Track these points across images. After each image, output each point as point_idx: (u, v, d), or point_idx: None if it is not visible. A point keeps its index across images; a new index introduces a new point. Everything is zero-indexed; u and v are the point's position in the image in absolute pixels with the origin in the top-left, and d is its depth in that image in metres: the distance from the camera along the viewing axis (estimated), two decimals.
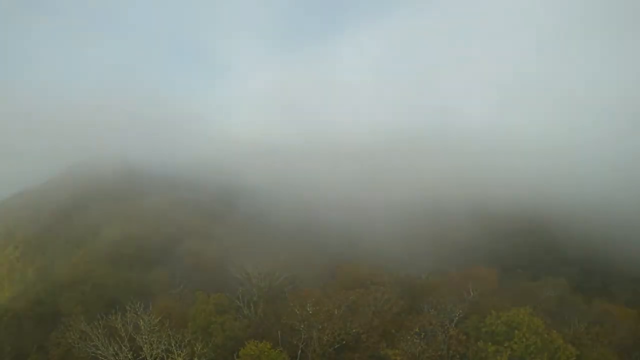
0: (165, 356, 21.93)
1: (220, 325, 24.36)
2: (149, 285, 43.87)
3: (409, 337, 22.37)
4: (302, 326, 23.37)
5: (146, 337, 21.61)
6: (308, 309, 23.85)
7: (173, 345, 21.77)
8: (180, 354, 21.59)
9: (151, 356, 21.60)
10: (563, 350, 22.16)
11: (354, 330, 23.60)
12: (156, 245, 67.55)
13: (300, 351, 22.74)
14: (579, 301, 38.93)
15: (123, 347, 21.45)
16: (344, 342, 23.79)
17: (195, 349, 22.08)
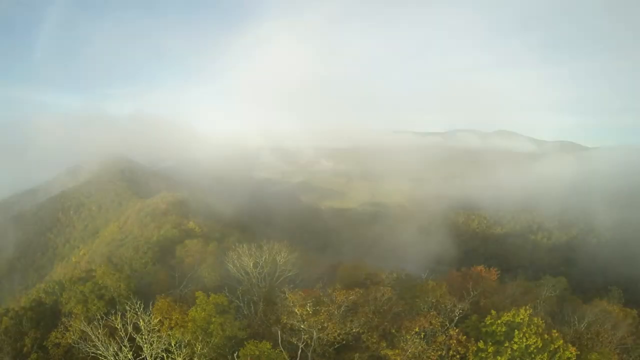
0: (165, 356, 21.94)
1: (220, 325, 24.33)
2: (149, 285, 43.89)
3: (409, 337, 22.37)
4: (302, 326, 23.36)
5: (146, 337, 21.61)
6: (308, 309, 23.84)
7: (173, 345, 21.77)
8: (180, 354, 21.60)
9: (151, 356, 21.60)
10: (563, 350, 22.18)
11: (354, 330, 23.58)
12: (156, 245, 67.65)
13: (300, 351, 22.72)
14: (579, 301, 38.97)
15: (123, 347, 21.43)
16: (344, 342, 23.78)
17: (195, 349, 22.08)
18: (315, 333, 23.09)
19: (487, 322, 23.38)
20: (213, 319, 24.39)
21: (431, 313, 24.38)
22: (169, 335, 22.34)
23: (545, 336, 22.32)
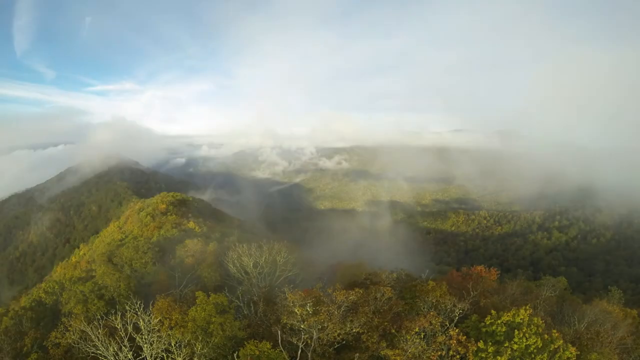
0: (165, 356, 21.94)
1: (220, 325, 24.32)
2: (149, 285, 43.93)
3: (409, 337, 22.36)
4: (302, 326, 23.35)
5: (146, 337, 21.60)
6: (308, 309, 23.84)
7: (173, 345, 21.77)
8: (180, 354, 21.59)
9: (151, 356, 21.60)
10: (563, 350, 22.17)
11: (354, 330, 23.57)
12: (156, 245, 67.63)
13: (300, 351, 22.72)
14: (579, 301, 38.97)
15: (123, 347, 21.43)
16: (344, 342, 23.77)
17: (195, 349, 22.08)
18: (315, 333, 23.08)
19: (487, 322, 23.36)
20: (213, 319, 24.38)
21: (431, 313, 24.34)
22: (169, 335, 22.34)
23: (545, 336, 22.30)
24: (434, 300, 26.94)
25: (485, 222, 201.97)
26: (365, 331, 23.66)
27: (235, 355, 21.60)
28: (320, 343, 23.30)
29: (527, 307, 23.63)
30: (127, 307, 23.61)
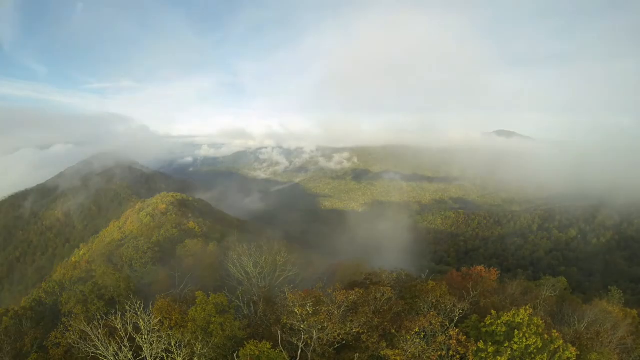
0: (165, 356, 21.93)
1: (220, 325, 24.33)
2: (149, 285, 43.97)
3: (409, 337, 22.36)
4: (302, 326, 23.35)
5: (146, 337, 21.60)
6: (308, 309, 23.84)
7: (173, 345, 21.76)
8: (180, 354, 21.59)
9: (151, 356, 21.59)
10: (563, 350, 22.17)
11: (354, 330, 23.57)
12: (156, 245, 67.70)
13: (300, 351, 22.72)
14: (579, 301, 39.00)
15: (123, 347, 21.42)
16: (344, 342, 23.77)
17: (195, 349, 22.08)
18: (315, 333, 23.08)
19: (487, 322, 23.36)
20: (213, 319, 24.38)
21: (431, 313, 24.33)
22: (169, 335, 22.33)
23: (545, 336, 22.31)
24: (434, 300, 26.92)
25: (485, 222, 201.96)
26: (365, 331, 23.65)
27: (235, 355, 21.61)
28: (320, 343, 23.31)
29: (527, 307, 23.63)
30: (127, 307, 23.59)
